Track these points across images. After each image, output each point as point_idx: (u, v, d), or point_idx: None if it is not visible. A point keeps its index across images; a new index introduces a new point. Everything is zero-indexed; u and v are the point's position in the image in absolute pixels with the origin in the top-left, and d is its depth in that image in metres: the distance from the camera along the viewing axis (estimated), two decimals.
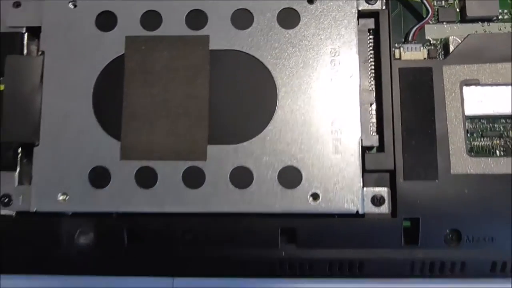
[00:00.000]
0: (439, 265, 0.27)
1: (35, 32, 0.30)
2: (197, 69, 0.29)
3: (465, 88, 0.28)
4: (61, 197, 0.28)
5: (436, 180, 0.27)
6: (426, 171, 0.27)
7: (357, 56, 0.28)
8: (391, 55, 0.28)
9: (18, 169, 0.30)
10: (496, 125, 0.29)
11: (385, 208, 0.28)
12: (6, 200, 0.29)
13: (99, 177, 0.28)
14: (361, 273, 0.28)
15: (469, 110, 0.28)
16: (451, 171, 0.27)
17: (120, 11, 0.29)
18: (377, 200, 0.28)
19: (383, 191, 0.28)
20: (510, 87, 0.28)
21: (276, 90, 0.28)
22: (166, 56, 0.29)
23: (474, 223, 0.27)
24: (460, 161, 0.27)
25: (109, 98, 0.29)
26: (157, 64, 0.29)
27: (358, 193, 0.27)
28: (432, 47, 0.30)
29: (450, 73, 0.28)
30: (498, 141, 0.29)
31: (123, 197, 0.28)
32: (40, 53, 0.30)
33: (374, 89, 0.29)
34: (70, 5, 0.30)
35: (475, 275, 0.28)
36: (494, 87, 0.28)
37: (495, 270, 0.27)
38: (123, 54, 0.29)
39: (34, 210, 0.28)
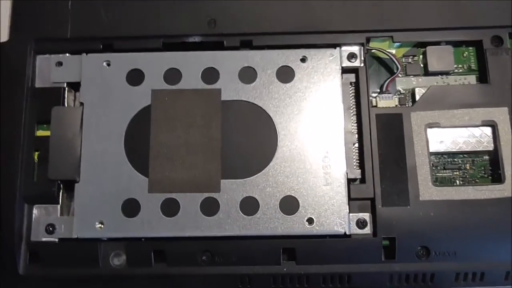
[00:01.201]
0: (413, 276, 0.33)
1: (73, 86, 0.36)
2: (211, 116, 0.34)
3: (428, 130, 0.34)
4: (98, 225, 0.33)
5: (408, 206, 0.33)
6: (400, 198, 0.33)
7: (341, 105, 0.34)
8: (369, 103, 0.34)
9: (60, 203, 0.34)
10: (455, 160, 0.35)
11: (367, 230, 0.33)
12: (50, 229, 0.34)
13: (130, 207, 0.33)
14: (350, 285, 0.33)
15: (433, 147, 0.34)
16: (420, 198, 0.33)
17: (147, 69, 0.35)
18: (361, 223, 0.33)
19: (366, 216, 0.33)
20: (464, 128, 0.34)
21: (276, 133, 0.34)
22: (186, 106, 0.34)
23: (440, 240, 0.32)
24: (427, 190, 0.33)
25: (138, 141, 0.34)
26: (178, 112, 0.34)
27: (345, 218, 0.33)
28: (402, 96, 0.35)
29: (416, 118, 0.34)
30: (457, 173, 0.35)
31: (151, 224, 0.33)
32: (79, 104, 0.35)
33: (356, 131, 0.34)
34: (105, 64, 0.35)
35: (442, 285, 0.33)
36: (452, 129, 0.34)
37: (458, 280, 0.33)
38: (149, 105, 0.34)
39: (76, 237, 0.33)
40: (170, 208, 0.33)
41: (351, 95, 0.35)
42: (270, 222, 0.33)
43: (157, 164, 0.34)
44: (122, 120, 0.35)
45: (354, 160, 0.34)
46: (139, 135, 0.34)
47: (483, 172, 0.34)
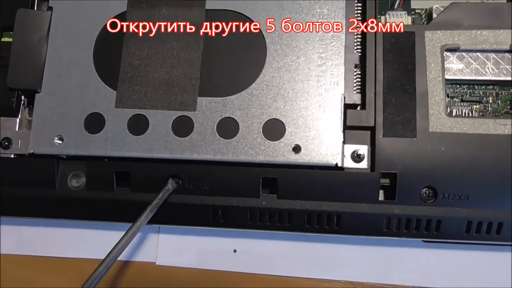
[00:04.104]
0: (415, 222, 0.28)
1: None
2: (193, 27, 0.30)
3: (446, 54, 0.29)
4: (57, 141, 0.30)
5: (415, 138, 0.28)
6: (405, 128, 0.28)
7: (344, 20, 0.29)
8: (377, 19, 0.29)
9: (19, 116, 0.31)
10: (476, 91, 0.29)
11: (364, 164, 0.28)
12: (6, 143, 0.30)
13: (94, 123, 0.30)
14: (339, 227, 0.28)
15: (450, 75, 0.29)
16: (430, 129, 0.28)
17: None
18: (356, 156, 0.28)
19: (363, 148, 0.28)
20: (489, 54, 0.29)
21: (265, 48, 0.29)
22: (165, 14, 0.30)
23: (450, 181, 0.27)
24: (439, 120, 0.28)
25: (109, 51, 0.30)
26: (156, 21, 0.30)
27: (338, 148, 0.28)
28: (417, 16, 0.30)
29: (431, 38, 0.28)
30: (477, 106, 0.29)
31: (115, 142, 0.29)
32: (48, 8, 0.32)
33: (359, 50, 0.29)
34: None
35: (450, 235, 0.28)
36: (474, 53, 0.29)
37: (469, 231, 0.28)
38: (124, 12, 0.31)
39: (31, 152, 0.30)
40: (138, 126, 0.29)
41: (356, 11, 0.30)
42: (250, 148, 0.28)
43: (128, 76, 0.30)
44: (93, 28, 0.31)
45: (355, 83, 0.29)
46: (110, 44, 0.31)
47: (509, 107, 0.29)
